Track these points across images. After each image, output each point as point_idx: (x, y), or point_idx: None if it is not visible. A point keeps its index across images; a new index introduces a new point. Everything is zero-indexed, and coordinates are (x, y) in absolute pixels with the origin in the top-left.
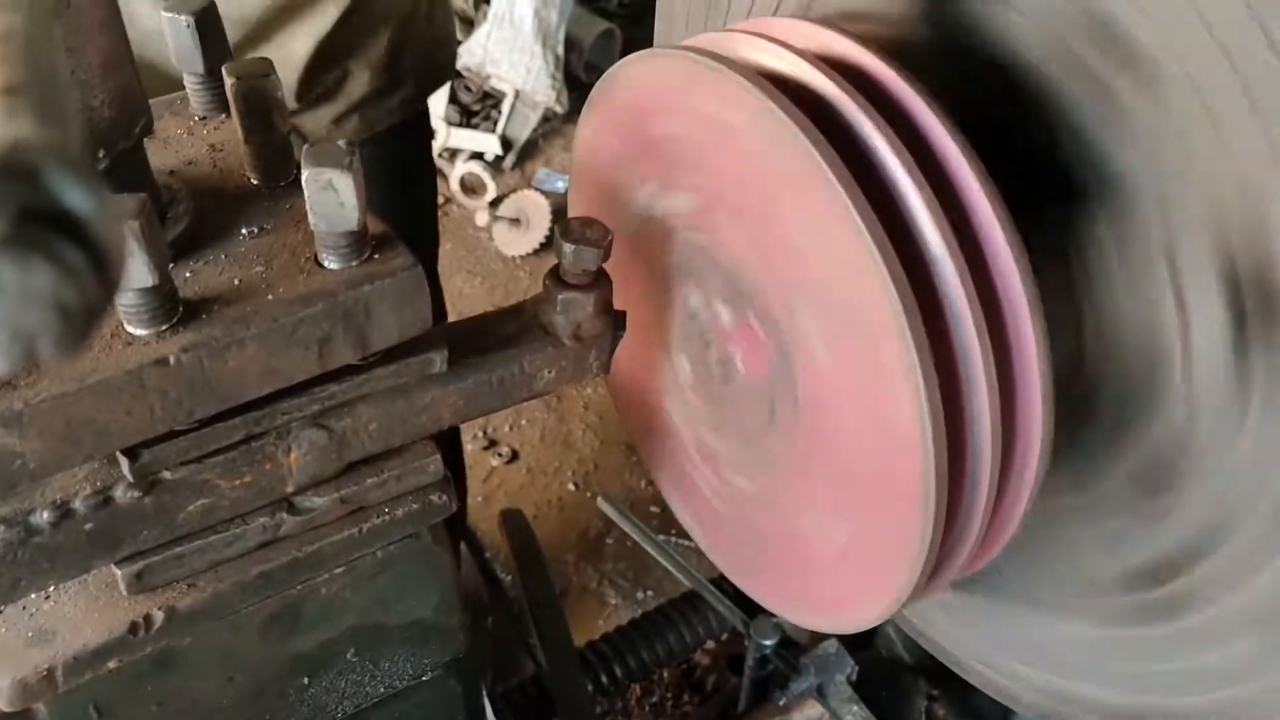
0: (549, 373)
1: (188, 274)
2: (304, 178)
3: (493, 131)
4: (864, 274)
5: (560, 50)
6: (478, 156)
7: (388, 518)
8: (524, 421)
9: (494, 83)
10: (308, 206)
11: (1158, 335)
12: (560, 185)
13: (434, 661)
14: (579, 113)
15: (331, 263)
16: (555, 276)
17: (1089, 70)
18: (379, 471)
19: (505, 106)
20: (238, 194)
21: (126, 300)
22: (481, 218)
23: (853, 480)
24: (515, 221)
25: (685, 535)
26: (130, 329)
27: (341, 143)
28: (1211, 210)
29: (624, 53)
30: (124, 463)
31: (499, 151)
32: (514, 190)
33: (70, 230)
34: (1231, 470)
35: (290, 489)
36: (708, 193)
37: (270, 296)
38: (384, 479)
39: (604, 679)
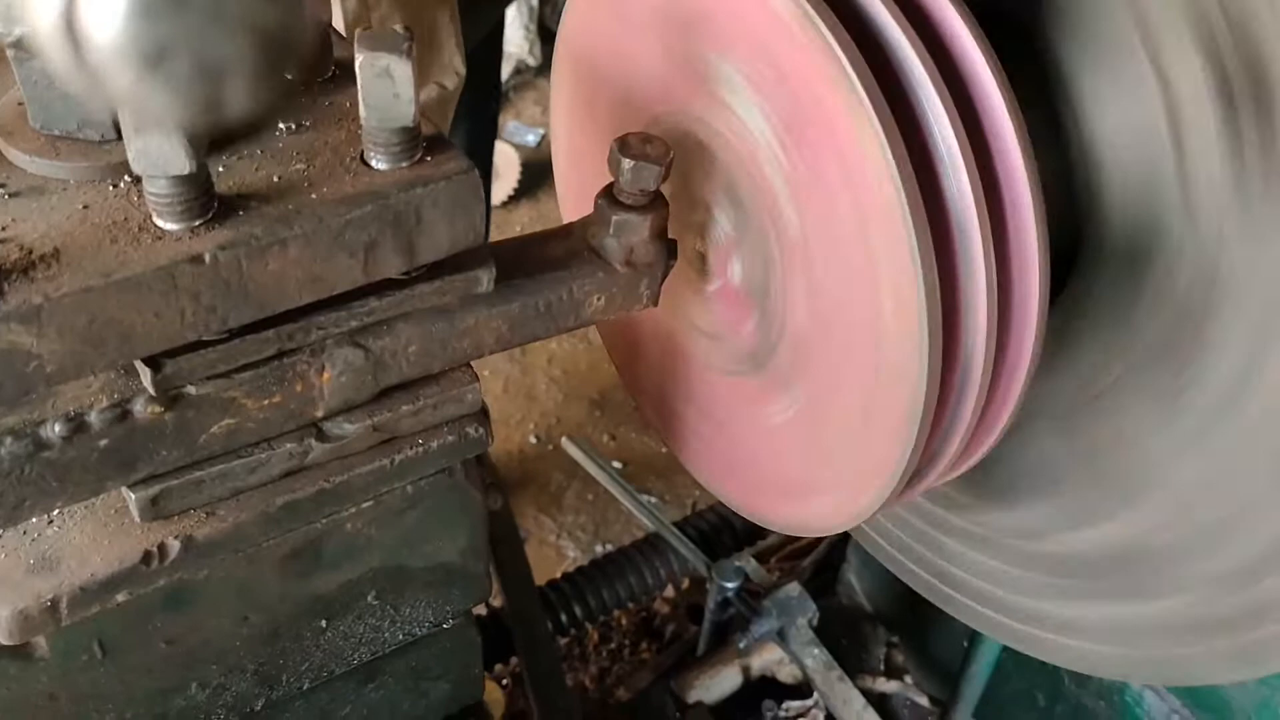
0: (598, 300)
1: (220, 168)
2: (357, 63)
3: None
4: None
5: (534, 0)
6: None
7: (421, 450)
8: (486, 372)
9: None
10: (359, 97)
11: (1150, 148)
12: (530, 139)
13: (455, 608)
14: (551, 65)
15: (380, 162)
16: (609, 196)
17: None
18: (415, 399)
19: None
20: None
21: (158, 189)
22: None
23: (836, 364)
24: None
25: (645, 491)
26: (160, 222)
27: (398, 27)
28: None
29: None
30: (145, 374)
31: None
32: None
33: None
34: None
35: (320, 413)
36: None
37: (314, 195)
38: (419, 407)
39: (564, 618)
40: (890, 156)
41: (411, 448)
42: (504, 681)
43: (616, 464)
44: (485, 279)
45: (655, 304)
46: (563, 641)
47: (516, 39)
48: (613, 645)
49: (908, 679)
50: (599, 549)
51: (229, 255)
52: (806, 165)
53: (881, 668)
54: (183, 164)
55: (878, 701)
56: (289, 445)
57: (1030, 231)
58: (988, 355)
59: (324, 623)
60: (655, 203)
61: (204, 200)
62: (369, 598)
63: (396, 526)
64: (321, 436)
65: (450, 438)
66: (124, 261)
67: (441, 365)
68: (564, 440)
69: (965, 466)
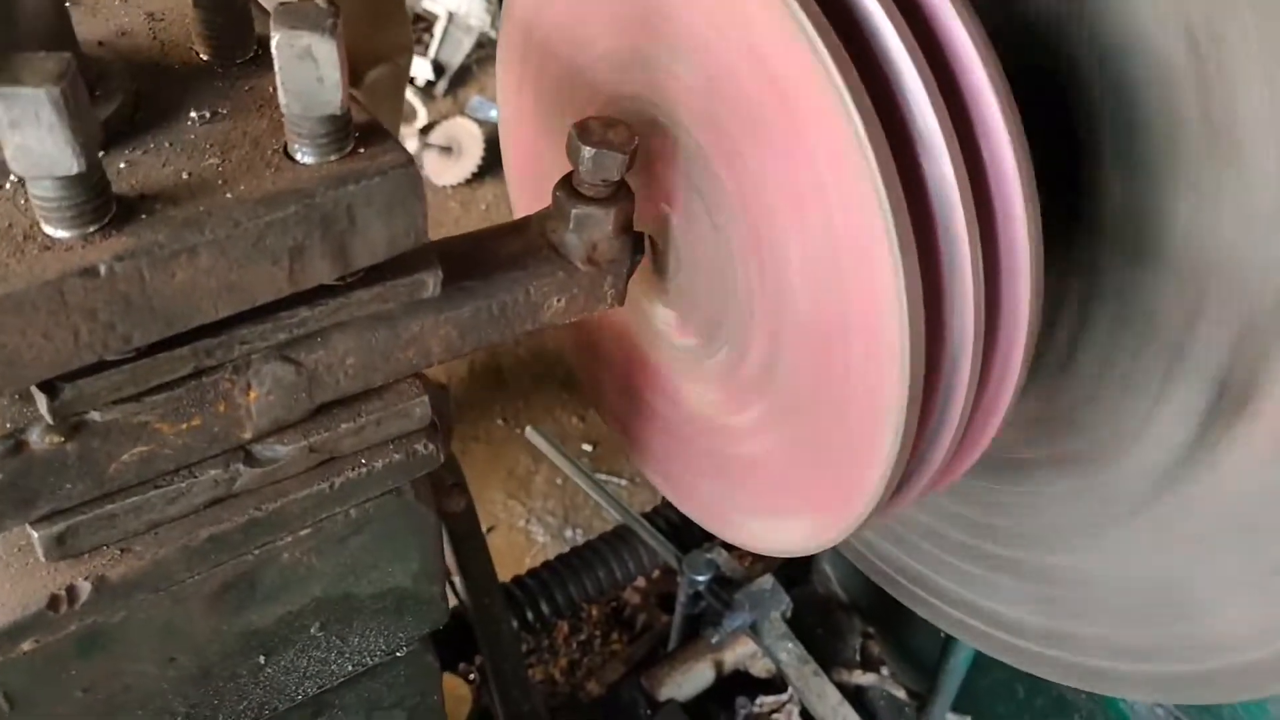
0: (558, 301)
1: (122, 164)
2: (274, 43)
3: (424, 56)
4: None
5: None
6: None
7: (364, 470)
8: None
9: (426, 5)
10: (278, 82)
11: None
12: (494, 114)
13: (409, 635)
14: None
15: (306, 155)
16: (568, 188)
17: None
18: (355, 415)
19: (438, 30)
20: (184, 72)
21: (43, 191)
22: (411, 145)
23: (810, 367)
24: (447, 150)
25: (616, 474)
26: (48, 230)
27: (321, 1)
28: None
29: None
30: (41, 400)
31: (430, 77)
32: (446, 117)
33: None
34: None
35: (248, 435)
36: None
37: (229, 195)
38: (361, 424)
39: (530, 615)
40: (869, 145)
41: (353, 469)
42: (471, 676)
43: (586, 446)
44: (431, 282)
45: (621, 304)
46: (530, 636)
47: (478, 12)
48: (583, 637)
49: (884, 671)
50: (569, 534)
51: (128, 266)
52: (774, 151)
53: (857, 659)
54: (69, 163)
55: (854, 695)
56: (213, 472)
57: (1020, 221)
58: (974, 361)
59: (262, 659)
60: (619, 194)
61: (99, 203)
62: (312, 630)
63: (340, 554)
64: (250, 461)
65: (397, 456)
66: (4, 276)
67: (384, 378)
68: (528, 430)
69: (955, 475)
